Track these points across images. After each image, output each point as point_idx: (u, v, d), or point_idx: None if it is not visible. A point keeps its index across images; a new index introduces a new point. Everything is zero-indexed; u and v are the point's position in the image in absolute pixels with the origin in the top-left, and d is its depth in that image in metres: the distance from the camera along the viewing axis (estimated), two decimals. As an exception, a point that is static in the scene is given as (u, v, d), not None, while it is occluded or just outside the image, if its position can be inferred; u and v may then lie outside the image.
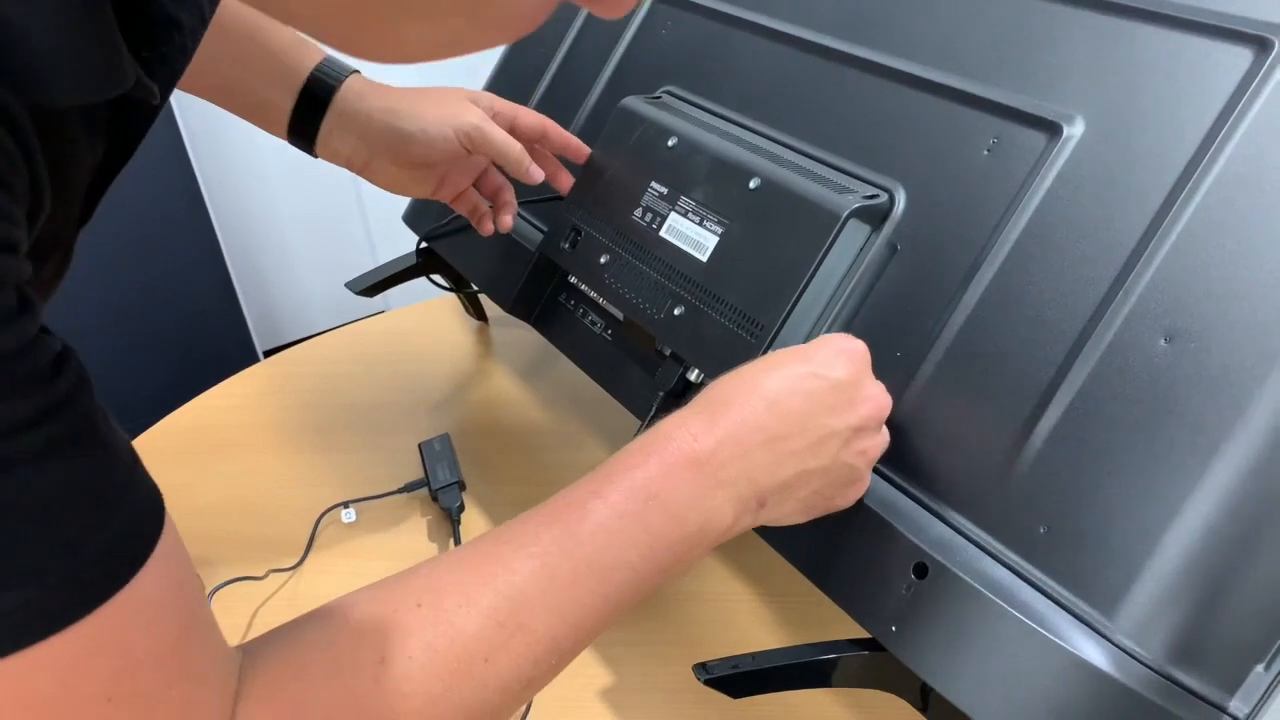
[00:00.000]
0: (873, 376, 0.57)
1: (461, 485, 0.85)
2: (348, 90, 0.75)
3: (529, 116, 0.80)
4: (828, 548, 0.56)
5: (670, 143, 0.74)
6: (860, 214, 0.62)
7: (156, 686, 0.38)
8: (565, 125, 0.88)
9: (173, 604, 0.38)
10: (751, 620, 0.75)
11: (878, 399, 0.56)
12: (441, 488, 0.84)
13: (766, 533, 0.59)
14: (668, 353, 0.70)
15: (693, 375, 0.68)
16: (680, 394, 0.69)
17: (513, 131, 0.78)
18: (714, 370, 0.66)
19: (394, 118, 0.75)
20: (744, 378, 0.54)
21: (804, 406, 0.53)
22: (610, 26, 0.88)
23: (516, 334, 1.07)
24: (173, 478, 0.90)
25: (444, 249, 0.92)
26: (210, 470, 0.91)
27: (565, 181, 0.81)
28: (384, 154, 0.76)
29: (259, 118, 0.76)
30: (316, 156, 0.78)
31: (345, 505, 0.85)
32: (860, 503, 0.56)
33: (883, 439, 0.57)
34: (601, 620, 0.48)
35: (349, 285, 0.87)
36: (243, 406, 0.99)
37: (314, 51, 0.76)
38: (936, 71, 0.64)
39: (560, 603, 0.47)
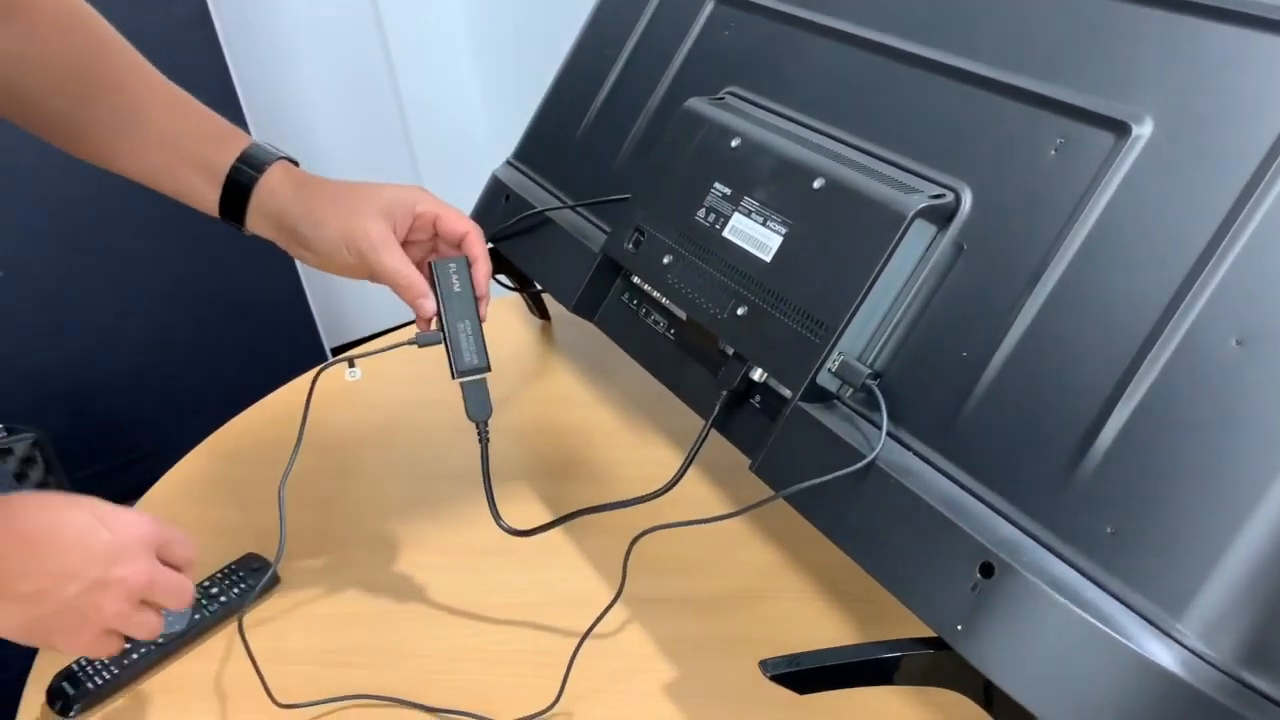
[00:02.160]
0: (152, 557, 0.64)
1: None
2: (263, 185, 0.75)
3: (451, 221, 0.76)
4: (893, 546, 0.56)
5: (734, 143, 0.74)
6: (926, 214, 0.62)
7: None
8: (627, 129, 0.89)
9: None
10: (815, 617, 0.75)
11: (137, 577, 0.62)
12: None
13: (832, 530, 0.59)
14: (730, 352, 0.71)
15: (756, 374, 0.69)
16: (743, 393, 0.70)
17: (435, 233, 0.76)
18: (777, 369, 0.67)
19: (297, 220, 0.75)
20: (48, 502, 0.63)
21: (72, 541, 0.61)
22: (673, 30, 0.89)
23: (579, 333, 1.08)
24: (244, 472, 0.93)
25: (509, 249, 0.94)
26: (274, 471, 0.93)
27: (483, 306, 0.77)
28: (295, 245, 0.76)
29: (189, 201, 0.78)
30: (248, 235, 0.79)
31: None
32: (924, 501, 0.56)
33: (126, 611, 0.63)
34: None
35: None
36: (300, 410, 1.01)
37: (238, 141, 0.77)
38: (1002, 71, 0.64)
39: None
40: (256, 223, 0.77)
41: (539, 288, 1.06)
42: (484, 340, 0.75)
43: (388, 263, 0.73)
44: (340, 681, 0.73)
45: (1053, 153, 0.60)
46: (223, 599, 0.79)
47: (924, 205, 0.62)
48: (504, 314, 1.14)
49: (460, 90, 2.19)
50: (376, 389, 1.04)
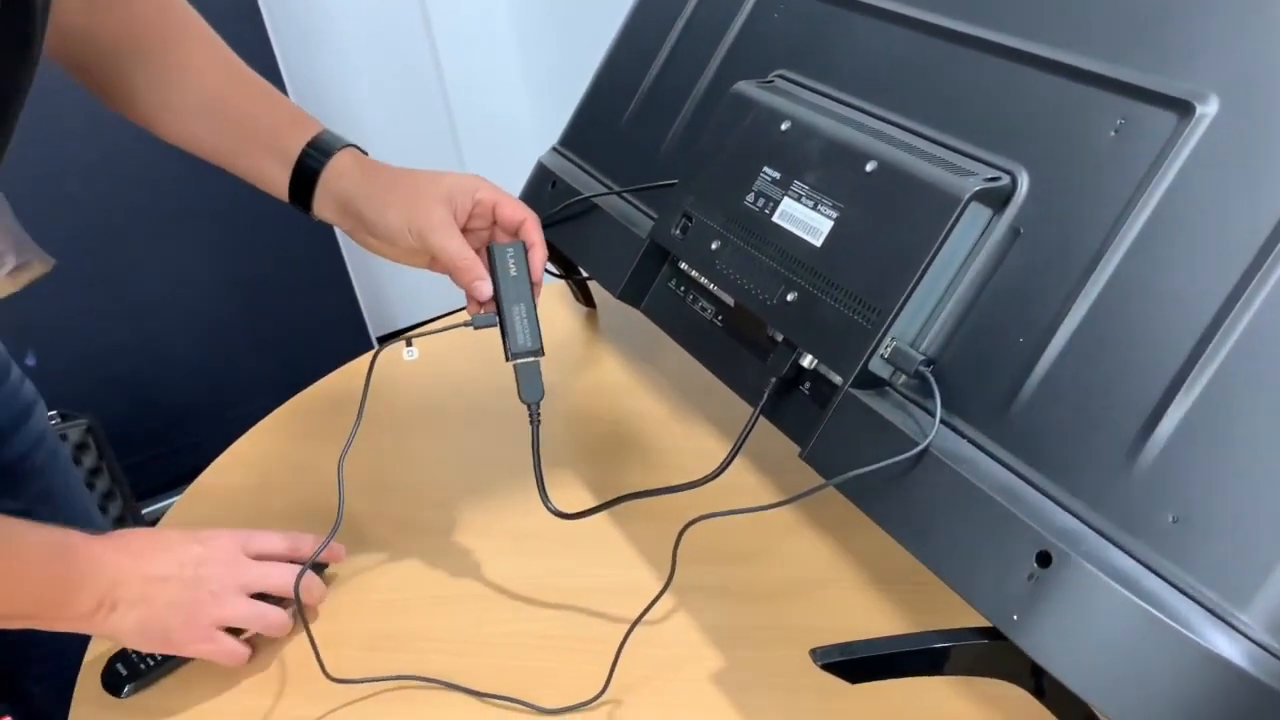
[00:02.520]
0: (238, 554, 0.75)
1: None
2: (330, 170, 0.78)
3: (509, 208, 0.78)
4: (947, 534, 0.55)
5: (784, 127, 0.73)
6: (982, 197, 0.61)
7: None
8: (674, 114, 0.89)
9: None
10: (865, 605, 0.74)
11: (225, 570, 0.73)
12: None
13: (884, 518, 0.58)
14: (779, 339, 0.70)
15: (806, 361, 0.68)
16: (792, 380, 0.69)
17: (494, 220, 0.79)
18: (828, 355, 0.66)
19: (362, 205, 0.77)
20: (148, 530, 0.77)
21: (167, 548, 0.73)
22: (720, 13, 0.88)
23: (625, 319, 1.08)
24: (301, 457, 0.94)
25: (555, 236, 0.93)
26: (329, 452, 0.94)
27: (538, 291, 0.79)
28: (360, 230, 0.79)
29: (260, 184, 0.81)
30: (314, 219, 0.82)
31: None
32: (979, 489, 0.55)
33: (226, 603, 0.73)
34: None
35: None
36: (355, 393, 1.02)
37: (308, 127, 0.80)
38: (1059, 49, 0.63)
39: None
40: (323, 207, 0.80)
41: (584, 274, 1.06)
42: (538, 324, 0.76)
43: (448, 245, 0.75)
44: (388, 663, 0.73)
45: (1112, 134, 0.59)
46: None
47: (980, 188, 0.61)
48: (549, 301, 1.14)
49: (504, 77, 2.19)
50: (428, 376, 1.05)
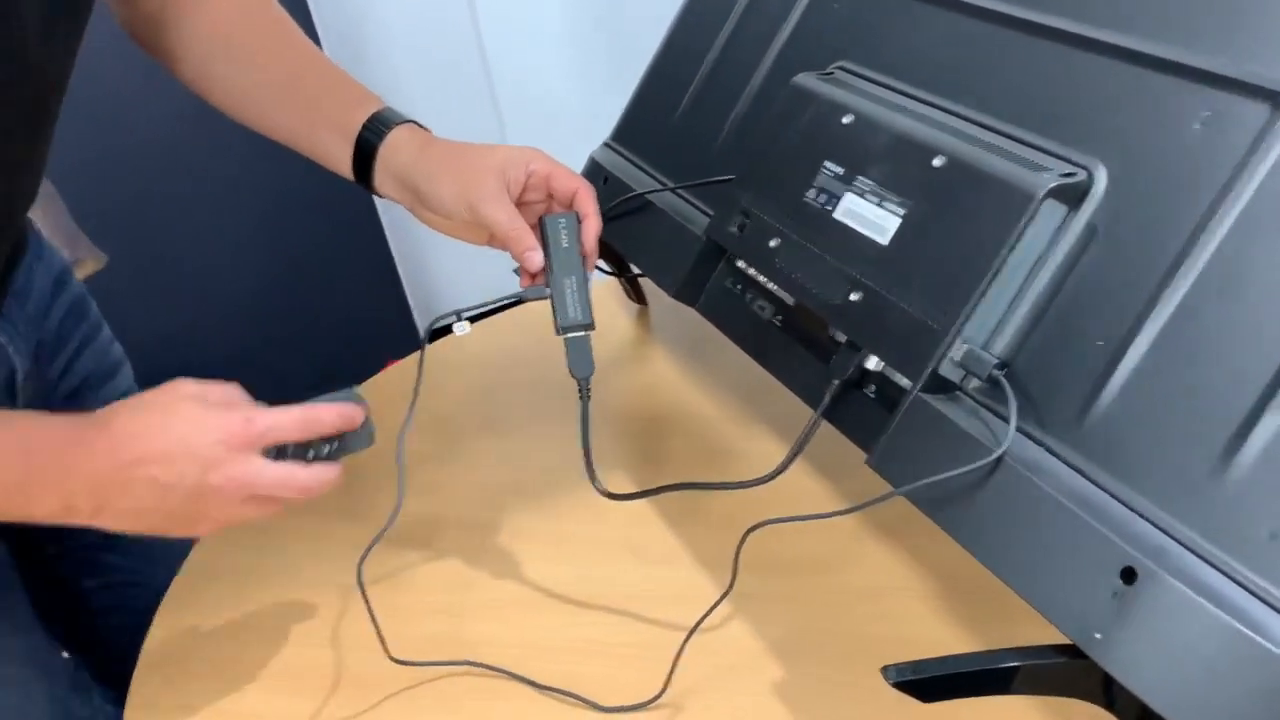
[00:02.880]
0: (249, 456, 0.63)
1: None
2: (388, 145, 0.79)
3: (563, 179, 0.78)
4: (1023, 548, 0.53)
5: (846, 120, 0.71)
6: (1057, 193, 0.58)
7: None
8: (729, 107, 0.86)
9: None
10: (933, 616, 0.72)
11: (233, 482, 0.62)
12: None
13: (956, 529, 0.56)
14: (843, 340, 0.68)
15: (871, 364, 0.66)
16: (857, 383, 0.67)
17: (549, 193, 0.79)
18: (894, 358, 0.64)
19: (419, 179, 0.77)
20: (143, 408, 0.65)
21: (165, 450, 0.63)
22: (778, 3, 0.86)
23: (677, 317, 1.06)
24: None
25: (607, 233, 0.91)
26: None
27: (590, 263, 0.78)
28: (418, 204, 0.79)
29: (327, 163, 0.82)
30: (378, 195, 0.82)
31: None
32: (1058, 500, 0.53)
33: (236, 512, 0.64)
34: None
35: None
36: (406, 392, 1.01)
37: (370, 105, 0.80)
38: (1139, 39, 0.60)
39: None
40: (383, 182, 0.80)
41: (636, 272, 1.04)
42: (590, 297, 0.75)
43: (499, 216, 0.75)
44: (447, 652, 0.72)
45: (1198, 127, 0.56)
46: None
47: (1055, 184, 0.58)
48: (600, 299, 1.12)
49: (553, 69, 2.18)
50: (479, 374, 1.04)
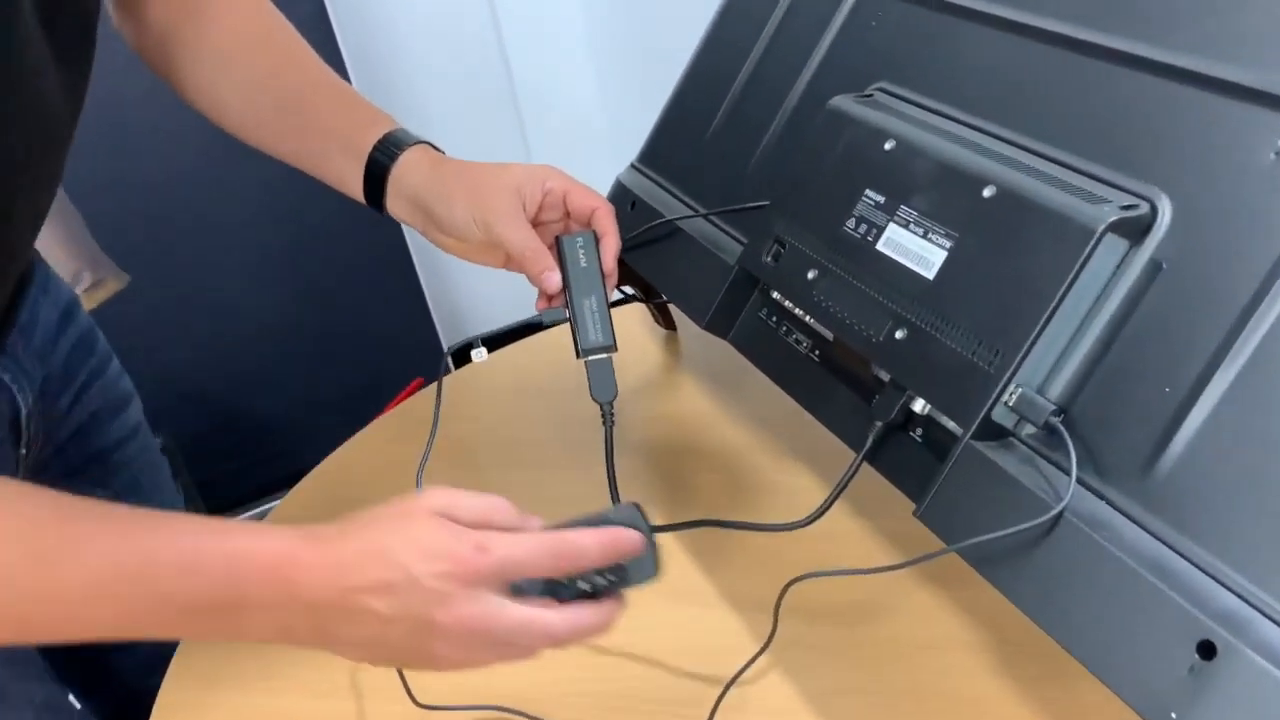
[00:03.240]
0: (487, 594, 0.52)
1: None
2: (400, 166, 0.76)
3: (580, 196, 0.75)
4: (1087, 613, 0.49)
5: (887, 146, 0.68)
6: (1117, 227, 0.55)
7: None
8: (762, 130, 0.83)
9: None
10: (985, 672, 0.68)
11: (469, 624, 0.52)
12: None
13: (1014, 590, 0.52)
14: (887, 379, 0.64)
15: (917, 406, 0.62)
16: (902, 425, 0.64)
17: (566, 211, 0.76)
18: (943, 402, 0.60)
19: (431, 200, 0.75)
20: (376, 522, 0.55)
21: (391, 578, 0.52)
22: (812, 22, 0.82)
23: (707, 344, 1.02)
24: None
25: (635, 260, 0.88)
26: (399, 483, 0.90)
27: (610, 283, 0.75)
28: (432, 227, 0.76)
29: (339, 186, 0.79)
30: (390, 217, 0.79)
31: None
32: (1124, 562, 0.49)
33: (466, 658, 0.54)
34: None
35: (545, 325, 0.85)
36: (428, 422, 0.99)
37: (381, 125, 0.78)
38: (1206, 61, 0.56)
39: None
40: (395, 204, 0.77)
41: (664, 297, 1.01)
42: (610, 318, 0.73)
43: (514, 236, 0.72)
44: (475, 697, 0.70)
45: (1273, 156, 0.52)
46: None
47: (1116, 218, 0.54)
48: (627, 323, 1.09)
49: (578, 88, 2.15)
50: (501, 402, 1.01)
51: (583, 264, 0.74)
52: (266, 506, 1.87)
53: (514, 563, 0.53)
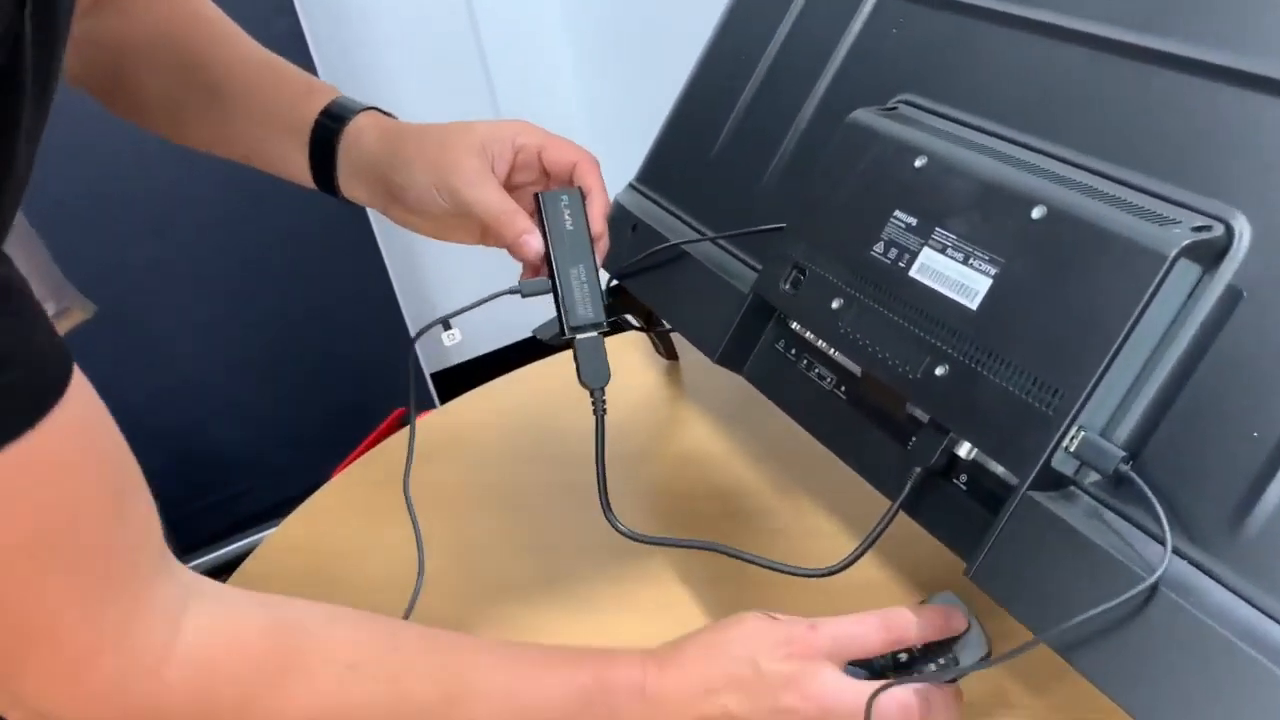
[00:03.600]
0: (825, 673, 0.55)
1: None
2: (349, 134, 0.68)
3: (558, 150, 0.67)
4: (1187, 699, 0.43)
5: (918, 163, 0.62)
6: (1190, 251, 0.49)
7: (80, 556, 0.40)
8: (774, 146, 0.77)
9: (94, 471, 0.41)
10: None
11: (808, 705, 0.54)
12: None
13: (1098, 673, 0.46)
14: (924, 419, 0.58)
15: (963, 450, 0.56)
16: (943, 471, 0.57)
17: (542, 170, 0.68)
18: (994, 447, 0.54)
19: (386, 168, 0.67)
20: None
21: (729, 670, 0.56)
22: (826, 29, 0.76)
23: (711, 375, 0.95)
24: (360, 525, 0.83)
25: (638, 288, 0.82)
26: (385, 534, 0.83)
27: (600, 248, 0.67)
28: (393, 203, 0.68)
29: (285, 173, 0.71)
30: (345, 201, 0.71)
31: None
32: (1228, 641, 0.43)
33: None
34: None
35: (537, 333, 0.77)
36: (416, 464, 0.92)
37: (322, 95, 0.69)
38: (1280, 66, 0.51)
39: None
40: (349, 181, 0.69)
41: (667, 325, 0.94)
42: (601, 290, 0.65)
43: (483, 197, 0.64)
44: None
45: (1368, 170, 0.46)
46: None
47: (1189, 241, 0.48)
48: (626, 354, 1.02)
49: (563, 107, 2.09)
50: (484, 447, 0.94)
51: (568, 226, 0.65)
52: (234, 546, 1.79)
53: (847, 636, 0.56)
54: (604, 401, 0.64)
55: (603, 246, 0.67)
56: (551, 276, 0.64)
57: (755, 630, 0.57)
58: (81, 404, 0.40)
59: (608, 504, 0.63)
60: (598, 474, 0.63)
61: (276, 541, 0.87)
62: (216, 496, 1.76)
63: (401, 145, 0.66)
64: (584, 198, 0.66)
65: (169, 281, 1.70)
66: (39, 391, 0.38)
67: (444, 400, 1.09)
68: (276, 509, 1.84)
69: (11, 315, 0.37)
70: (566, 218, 0.65)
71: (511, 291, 0.65)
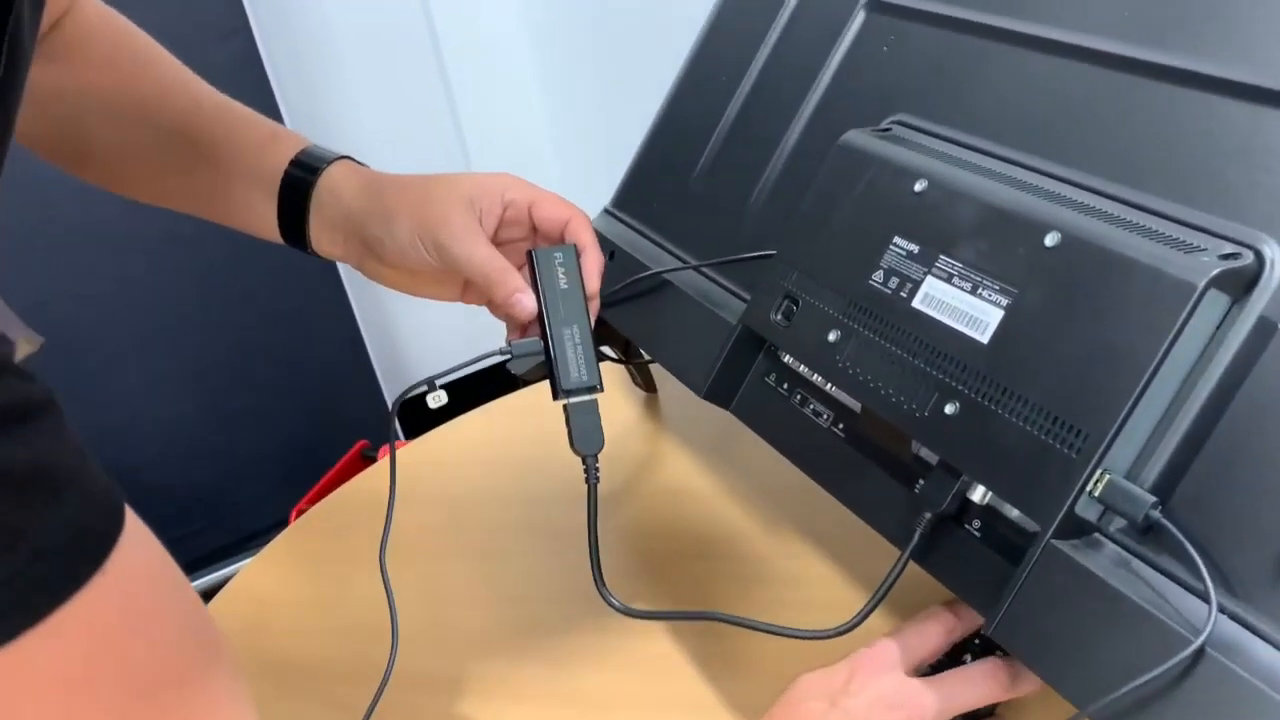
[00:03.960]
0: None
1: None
2: (323, 185, 0.64)
3: (549, 206, 0.64)
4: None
5: (918, 187, 0.58)
6: (1219, 280, 0.46)
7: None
8: (759, 170, 0.73)
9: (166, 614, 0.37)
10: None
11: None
12: None
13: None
14: (935, 461, 0.54)
15: (976, 495, 0.52)
16: (955, 516, 0.54)
17: (532, 226, 0.64)
18: (1012, 492, 0.50)
19: (365, 221, 0.63)
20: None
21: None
22: (810, 48, 0.73)
23: (692, 408, 0.92)
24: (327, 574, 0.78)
25: (617, 318, 0.78)
26: (351, 580, 0.78)
27: (594, 307, 0.64)
28: (369, 257, 0.64)
29: (248, 226, 0.66)
30: (315, 255, 0.66)
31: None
32: (1264, 694, 0.39)
33: None
34: None
35: (511, 367, 0.73)
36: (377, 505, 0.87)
37: (290, 143, 0.65)
38: (1306, 84, 0.48)
39: None
40: (321, 236, 0.65)
41: (646, 357, 0.91)
42: (595, 351, 0.61)
43: (473, 254, 0.60)
44: None
45: None
46: None
47: (1219, 270, 0.45)
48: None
49: (530, 137, 2.06)
50: (460, 487, 0.89)
51: (562, 285, 0.62)
52: (193, 585, 1.72)
53: (911, 642, 0.56)
54: (598, 469, 0.60)
55: (596, 306, 0.64)
56: (544, 337, 0.61)
57: (814, 679, 0.55)
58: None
59: (601, 579, 0.59)
60: (590, 546, 0.59)
61: (233, 591, 0.82)
62: (170, 535, 1.67)
63: (382, 198, 0.63)
64: (578, 255, 0.63)
65: (120, 312, 1.63)
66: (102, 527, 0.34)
67: (410, 435, 1.04)
68: (233, 548, 1.78)
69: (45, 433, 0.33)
70: (561, 276, 0.62)
71: (502, 353, 0.62)
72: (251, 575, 0.83)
